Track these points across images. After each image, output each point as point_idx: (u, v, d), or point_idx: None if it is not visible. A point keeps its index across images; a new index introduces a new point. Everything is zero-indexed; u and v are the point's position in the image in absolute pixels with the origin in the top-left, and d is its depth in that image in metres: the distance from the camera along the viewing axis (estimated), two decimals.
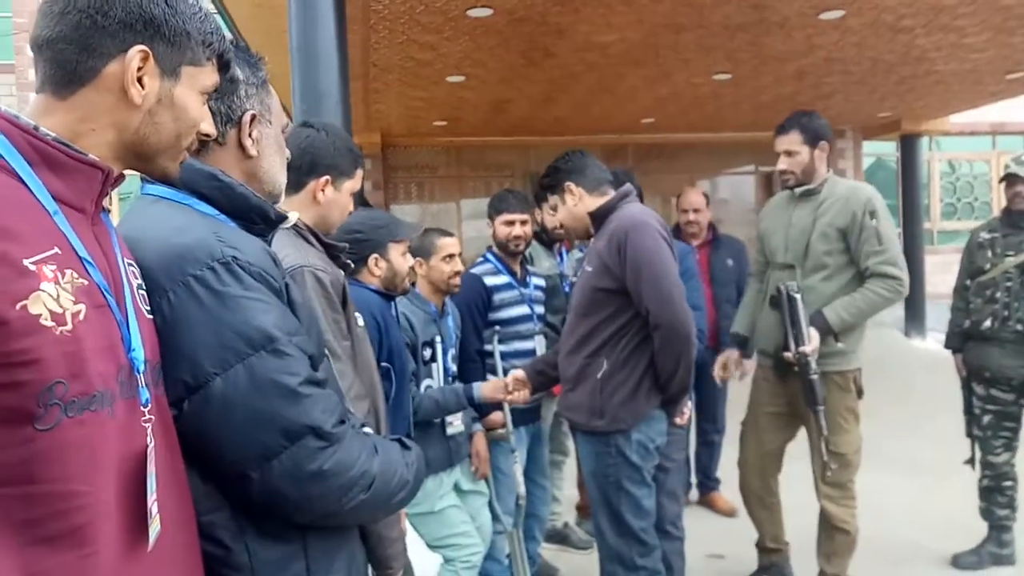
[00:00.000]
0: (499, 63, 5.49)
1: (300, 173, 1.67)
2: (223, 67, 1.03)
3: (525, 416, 2.98)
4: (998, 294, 3.20)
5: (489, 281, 2.95)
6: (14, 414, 0.72)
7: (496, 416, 2.82)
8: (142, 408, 0.85)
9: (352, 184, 1.77)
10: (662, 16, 4.58)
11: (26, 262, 0.74)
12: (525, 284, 3.07)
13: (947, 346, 3.49)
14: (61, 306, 0.76)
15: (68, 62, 0.86)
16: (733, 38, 5.13)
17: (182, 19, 0.93)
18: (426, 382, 2.49)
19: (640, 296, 2.26)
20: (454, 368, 2.66)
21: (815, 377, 2.65)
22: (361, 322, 1.74)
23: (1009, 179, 3.22)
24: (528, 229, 3.04)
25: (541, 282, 3.17)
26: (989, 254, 3.27)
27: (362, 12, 4.16)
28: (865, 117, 8.85)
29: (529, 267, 3.16)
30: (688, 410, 2.54)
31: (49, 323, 0.74)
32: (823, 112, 8.79)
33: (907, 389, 6.49)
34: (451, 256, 2.60)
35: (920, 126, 8.98)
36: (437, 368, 2.54)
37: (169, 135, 0.94)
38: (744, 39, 5.16)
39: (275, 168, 1.24)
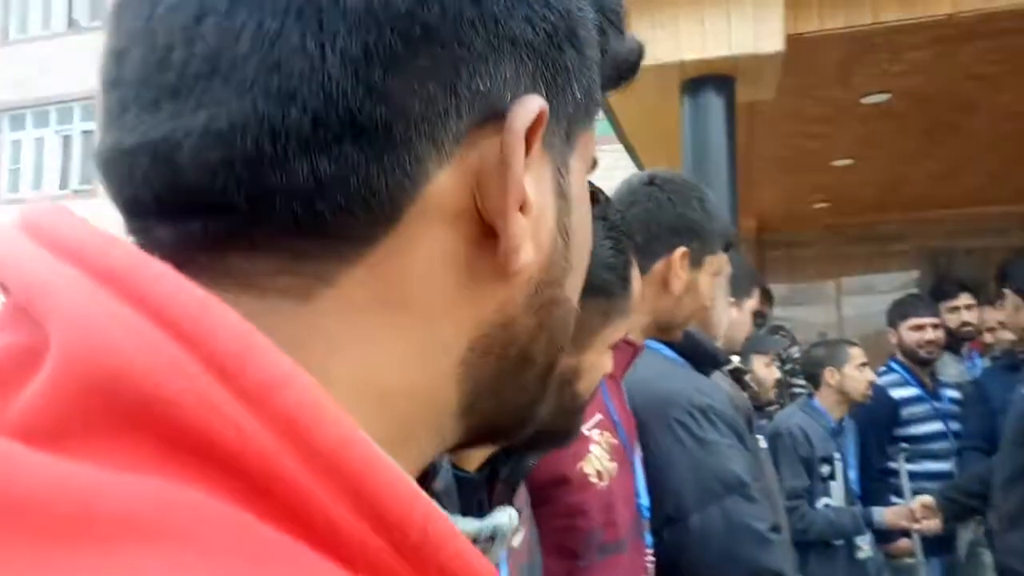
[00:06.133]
0: (894, 144, 5.14)
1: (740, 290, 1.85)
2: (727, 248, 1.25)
3: (938, 545, 2.66)
4: None
5: (896, 393, 2.75)
6: (566, 551, 0.91)
7: (904, 543, 2.58)
8: (646, 550, 1.01)
9: (752, 303, 1.90)
10: None
11: (583, 430, 0.93)
12: (937, 396, 2.78)
13: None
14: (603, 465, 0.94)
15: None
16: None
17: (712, 220, 1.18)
18: (824, 500, 2.39)
19: None
20: (857, 488, 2.52)
21: None
22: (764, 444, 1.80)
23: None
24: (940, 334, 2.79)
25: (955, 394, 2.85)
26: None
27: (747, 113, 4.28)
28: None
29: (941, 378, 2.86)
30: None
31: (594, 480, 0.92)
32: None
33: None
34: (864, 364, 2.51)
35: None
36: (837, 486, 2.42)
37: (689, 313, 1.18)
38: None
39: (722, 315, 1.41)
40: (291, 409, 0.21)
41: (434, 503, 0.23)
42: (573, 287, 0.33)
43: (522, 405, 0.33)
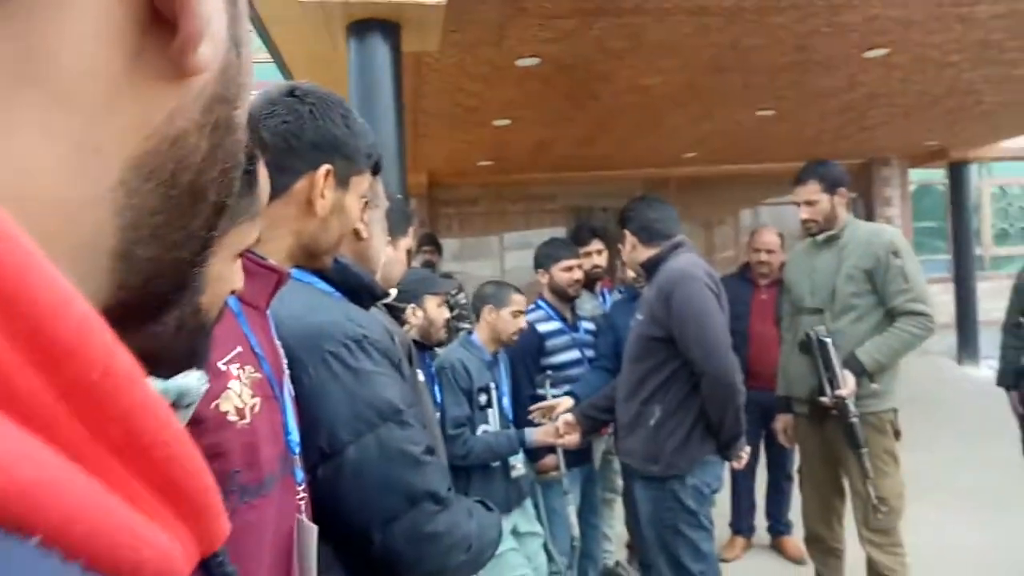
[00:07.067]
0: (544, 107, 5.65)
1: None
2: (375, 171, 1.19)
3: (577, 457, 3.04)
4: None
5: (541, 327, 3.05)
6: None
7: (550, 459, 2.90)
8: (297, 486, 0.94)
9: (407, 242, 1.93)
10: (706, 60, 4.68)
11: (219, 364, 0.84)
12: (575, 328, 3.16)
13: (1000, 383, 3.45)
14: (243, 401, 0.85)
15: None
16: (777, 78, 5.20)
17: (356, 137, 1.09)
18: (482, 427, 2.59)
19: (686, 346, 2.34)
20: (510, 414, 2.75)
21: (855, 420, 2.66)
22: (421, 377, 1.86)
23: None
24: (582, 274, 3.16)
25: (590, 325, 3.26)
26: None
27: (414, 65, 4.35)
28: (911, 146, 8.79)
29: (579, 313, 3.25)
30: (746, 454, 2.57)
31: (233, 418, 0.83)
32: (868, 143, 8.81)
33: (962, 418, 6.36)
34: (520, 312, 2.70)
35: (968, 153, 8.87)
36: (493, 413, 2.63)
37: (337, 236, 1.10)
38: (788, 78, 5.23)
39: (380, 247, 1.39)
40: None
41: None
42: (243, 116, 0.29)
43: (184, 261, 0.27)
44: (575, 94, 5.33)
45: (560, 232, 9.84)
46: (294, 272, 1.22)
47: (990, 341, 7.71)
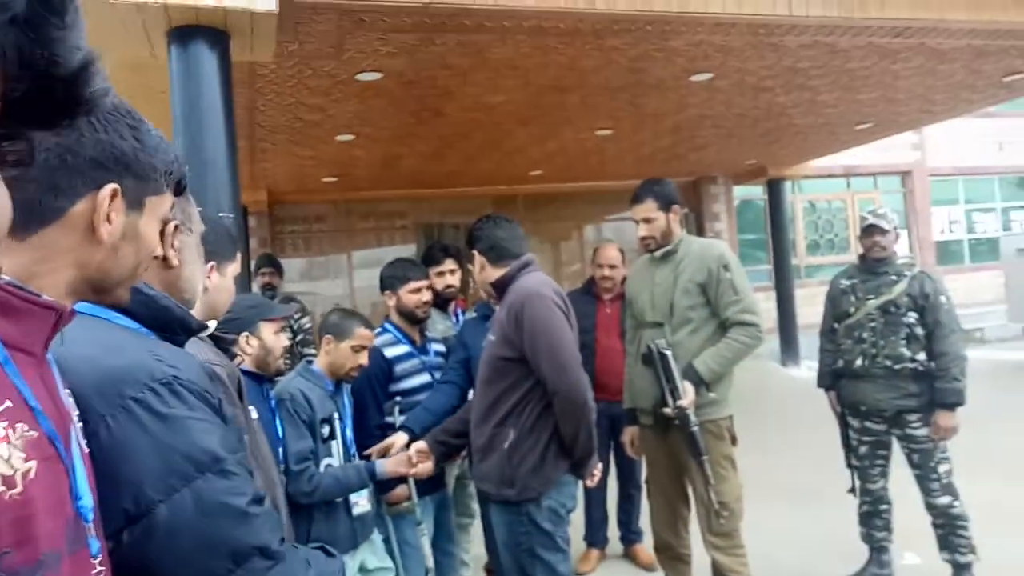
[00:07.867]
0: (389, 122, 5.54)
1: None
2: (178, 190, 1.04)
3: (430, 485, 2.93)
4: (864, 334, 3.46)
5: (389, 352, 2.92)
6: None
7: (401, 490, 2.77)
8: (92, 560, 0.79)
9: (234, 267, 1.75)
10: (547, 79, 4.78)
11: None
12: (425, 351, 3.06)
13: (819, 385, 3.73)
14: (12, 467, 0.69)
15: (31, 202, 0.82)
16: (614, 98, 5.41)
17: (149, 152, 0.93)
18: (326, 460, 2.42)
19: (537, 365, 2.32)
20: (352, 447, 2.60)
21: (696, 429, 2.74)
22: (255, 413, 1.69)
23: (867, 230, 3.52)
24: (431, 295, 3.06)
25: (441, 347, 3.17)
26: (852, 298, 3.54)
27: (248, 76, 4.11)
28: (734, 165, 9.50)
29: (428, 333, 3.15)
30: (598, 471, 2.59)
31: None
32: (697, 162, 9.43)
33: (786, 416, 6.87)
34: (362, 348, 2.55)
35: (783, 171, 9.72)
36: (337, 446, 2.48)
37: (131, 266, 0.93)
38: (624, 99, 5.46)
39: (196, 276, 1.25)
40: None
41: None
42: None
43: None
44: (419, 110, 5.27)
45: (412, 249, 9.74)
46: (87, 308, 1.05)
47: (808, 344, 8.45)
